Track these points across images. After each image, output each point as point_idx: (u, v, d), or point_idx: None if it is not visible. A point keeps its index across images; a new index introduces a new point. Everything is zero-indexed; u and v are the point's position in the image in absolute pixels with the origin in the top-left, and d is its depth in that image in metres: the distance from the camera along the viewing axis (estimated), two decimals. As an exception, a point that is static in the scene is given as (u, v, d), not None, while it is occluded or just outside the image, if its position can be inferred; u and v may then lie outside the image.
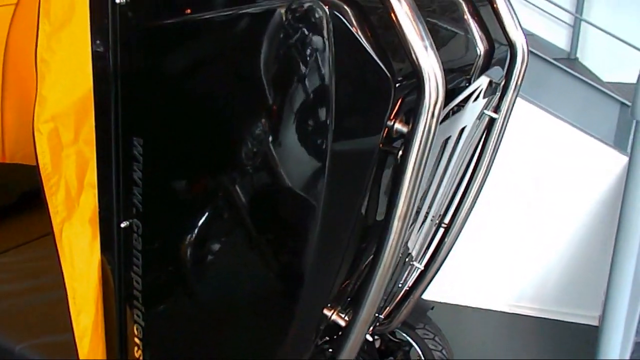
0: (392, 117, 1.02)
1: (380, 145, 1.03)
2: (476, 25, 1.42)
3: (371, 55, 0.96)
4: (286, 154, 1.06)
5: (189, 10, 1.09)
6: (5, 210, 2.46)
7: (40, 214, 2.71)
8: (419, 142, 1.01)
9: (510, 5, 1.49)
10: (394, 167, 1.12)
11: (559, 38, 5.00)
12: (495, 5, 1.46)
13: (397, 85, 0.99)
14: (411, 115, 1.03)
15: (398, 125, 1.02)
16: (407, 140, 1.02)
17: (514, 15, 1.47)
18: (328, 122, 1.00)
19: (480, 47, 1.42)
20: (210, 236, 1.21)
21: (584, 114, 3.94)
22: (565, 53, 4.99)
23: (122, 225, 1.28)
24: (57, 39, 1.20)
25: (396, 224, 1.07)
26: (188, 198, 1.22)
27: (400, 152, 1.03)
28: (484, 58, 1.43)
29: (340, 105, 0.99)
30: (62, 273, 1.33)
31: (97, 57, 1.18)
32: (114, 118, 1.21)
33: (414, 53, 0.96)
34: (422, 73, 0.97)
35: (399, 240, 1.07)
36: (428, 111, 0.98)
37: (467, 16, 1.42)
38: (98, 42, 1.17)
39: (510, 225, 3.42)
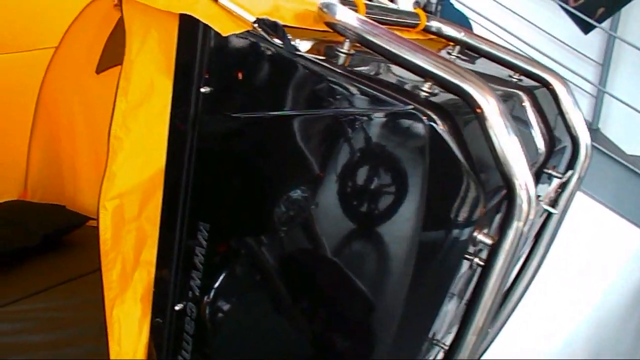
0: (477, 228, 1.00)
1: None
2: (538, 119, 1.41)
3: (465, 168, 0.96)
4: (365, 258, 1.04)
5: (272, 107, 1.09)
6: (27, 251, 2.42)
7: (61, 258, 2.68)
8: (505, 253, 0.99)
9: (575, 99, 1.49)
10: (468, 276, 1.10)
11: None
12: (558, 98, 1.46)
13: (487, 197, 0.99)
14: (491, 225, 1.01)
15: (481, 237, 1.01)
16: (492, 250, 1.00)
17: (579, 110, 1.47)
18: (415, 231, 0.98)
19: (542, 143, 1.41)
20: (270, 334, 1.18)
21: (607, 187, 3.93)
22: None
23: (176, 307, 1.25)
24: (133, 117, 1.20)
25: (469, 339, 1.05)
26: (252, 288, 1.20)
27: (482, 262, 1.02)
28: (546, 154, 1.42)
29: (429, 215, 0.98)
30: (107, 350, 1.29)
31: (173, 139, 1.17)
32: (182, 200, 1.19)
33: (508, 165, 0.96)
34: (514, 185, 0.96)
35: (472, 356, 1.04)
36: (518, 222, 0.97)
37: (529, 109, 1.41)
38: (177, 124, 1.16)
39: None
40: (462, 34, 1.45)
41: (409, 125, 0.93)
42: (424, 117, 0.91)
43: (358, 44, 1.06)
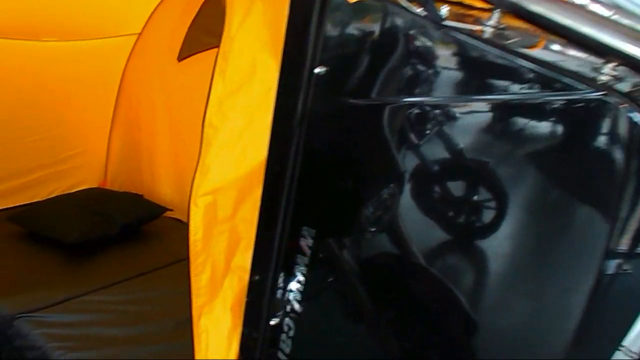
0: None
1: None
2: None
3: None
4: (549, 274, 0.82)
5: (406, 91, 0.89)
6: (107, 240, 2.36)
7: (139, 249, 2.61)
8: None
9: None
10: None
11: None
12: None
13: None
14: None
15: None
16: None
17: None
18: (604, 245, 0.75)
19: None
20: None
21: None
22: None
23: (272, 322, 1.09)
24: (231, 102, 1.05)
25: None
26: (363, 308, 1.02)
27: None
28: None
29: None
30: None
31: (277, 128, 1.01)
32: (285, 200, 1.03)
33: None
34: None
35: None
36: None
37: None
38: (282, 111, 0.99)
39: None
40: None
41: (600, 115, 0.71)
42: (622, 106, 0.69)
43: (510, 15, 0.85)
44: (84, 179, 3.09)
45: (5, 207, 2.73)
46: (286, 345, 1.09)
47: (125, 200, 2.65)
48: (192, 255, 1.10)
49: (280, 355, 1.10)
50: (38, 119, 2.81)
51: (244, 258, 1.12)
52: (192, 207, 1.07)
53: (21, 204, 2.80)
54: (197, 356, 1.14)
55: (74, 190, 3.00)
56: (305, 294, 1.05)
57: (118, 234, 2.39)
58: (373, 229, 0.97)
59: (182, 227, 2.73)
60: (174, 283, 2.12)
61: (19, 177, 2.80)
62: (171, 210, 2.68)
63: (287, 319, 1.08)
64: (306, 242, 1.02)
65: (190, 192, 1.08)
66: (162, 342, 1.83)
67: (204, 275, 1.12)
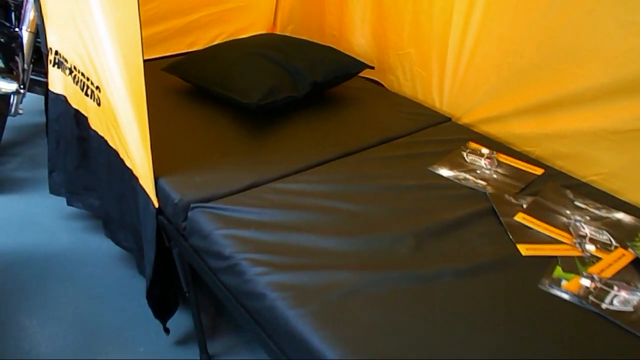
0: None
1: None
2: None
3: None
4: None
5: None
6: (292, 103, 1.71)
7: (334, 117, 1.95)
8: None
9: None
10: None
11: None
12: None
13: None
14: None
15: None
16: None
17: None
18: None
19: None
20: None
21: None
22: None
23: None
24: None
25: None
26: None
27: None
28: None
29: None
30: None
31: None
32: None
33: None
34: None
35: None
36: None
37: None
38: None
39: None
40: None
41: None
42: None
43: None
44: (251, 23, 2.43)
45: (158, 55, 2.17)
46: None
47: (312, 50, 1.92)
48: None
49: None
50: None
51: None
52: None
53: (177, 52, 2.24)
54: None
55: (242, 37, 2.38)
56: None
57: (306, 95, 1.74)
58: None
59: (383, 92, 2.01)
60: (391, 170, 1.46)
61: (174, 17, 2.19)
62: (372, 67, 1.96)
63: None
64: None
65: None
66: (400, 268, 1.16)
67: None
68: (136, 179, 1.40)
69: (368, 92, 1.98)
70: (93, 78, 1.46)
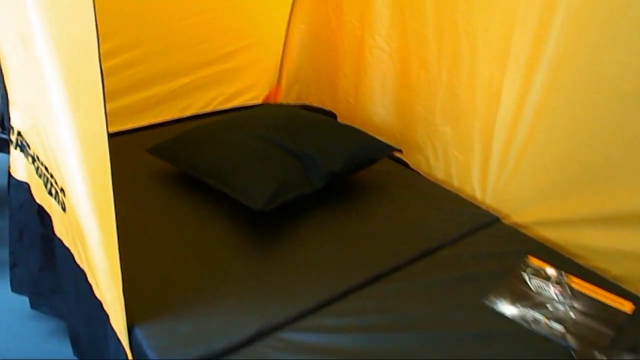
0: None
1: None
2: None
3: None
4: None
5: None
6: (306, 199, 1.37)
7: (356, 219, 1.57)
8: None
9: None
10: None
11: None
12: None
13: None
14: None
15: None
16: None
17: None
18: None
19: None
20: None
21: None
22: None
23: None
24: None
25: None
26: None
27: None
28: None
29: None
30: None
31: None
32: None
33: None
34: None
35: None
36: None
37: None
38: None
39: None
40: None
41: None
42: None
43: None
44: (251, 84, 2.12)
45: (145, 124, 1.84)
46: None
47: (327, 130, 1.59)
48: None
49: None
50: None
51: None
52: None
53: (168, 119, 1.91)
54: None
55: (239, 105, 2.05)
56: None
57: (321, 189, 1.40)
58: None
59: (410, 176, 1.63)
60: (436, 308, 1.11)
61: (164, 80, 1.87)
62: (400, 150, 1.63)
63: None
64: None
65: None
66: None
67: None
68: (107, 315, 1.05)
69: (393, 177, 1.64)
70: (57, 176, 1.11)
